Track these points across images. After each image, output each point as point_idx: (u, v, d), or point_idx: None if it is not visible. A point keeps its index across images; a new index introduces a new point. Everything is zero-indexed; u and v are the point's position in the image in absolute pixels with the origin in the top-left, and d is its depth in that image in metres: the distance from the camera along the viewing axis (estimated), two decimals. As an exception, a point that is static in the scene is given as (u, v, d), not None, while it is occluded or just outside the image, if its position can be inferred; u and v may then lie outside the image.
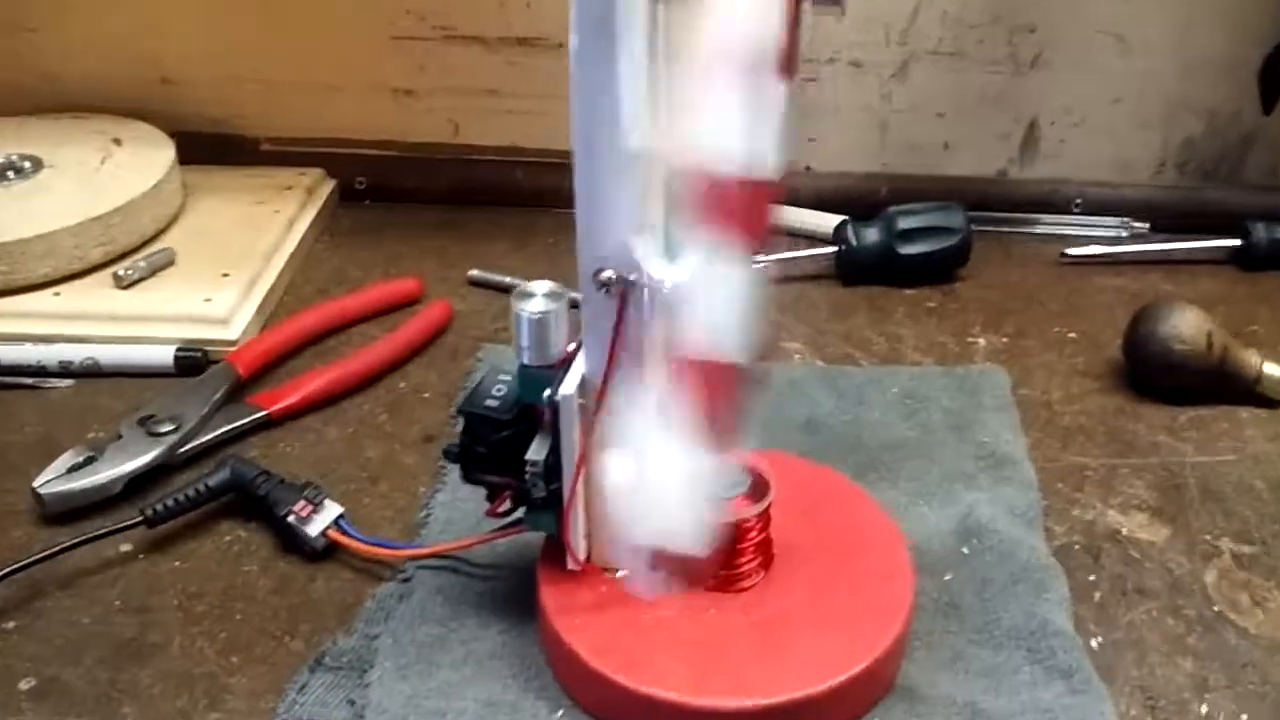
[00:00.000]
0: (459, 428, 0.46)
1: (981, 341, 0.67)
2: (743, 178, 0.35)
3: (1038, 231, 0.77)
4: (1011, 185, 0.78)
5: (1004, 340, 0.67)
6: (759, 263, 0.68)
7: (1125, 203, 0.77)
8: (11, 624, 0.50)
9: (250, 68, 0.81)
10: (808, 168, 0.79)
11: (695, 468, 0.42)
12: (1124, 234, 0.76)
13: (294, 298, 0.72)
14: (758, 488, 0.46)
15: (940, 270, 0.72)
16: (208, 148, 0.82)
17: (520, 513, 0.46)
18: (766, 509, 0.46)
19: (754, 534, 0.46)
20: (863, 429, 0.58)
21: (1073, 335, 0.67)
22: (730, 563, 0.46)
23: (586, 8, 0.36)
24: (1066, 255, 0.73)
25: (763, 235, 0.37)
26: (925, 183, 0.78)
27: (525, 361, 0.44)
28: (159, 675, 0.48)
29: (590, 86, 0.37)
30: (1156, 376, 0.61)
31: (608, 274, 0.40)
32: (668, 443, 0.41)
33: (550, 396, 0.43)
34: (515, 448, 0.44)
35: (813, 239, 0.75)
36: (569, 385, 0.43)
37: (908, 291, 0.71)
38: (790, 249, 0.73)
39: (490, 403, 0.45)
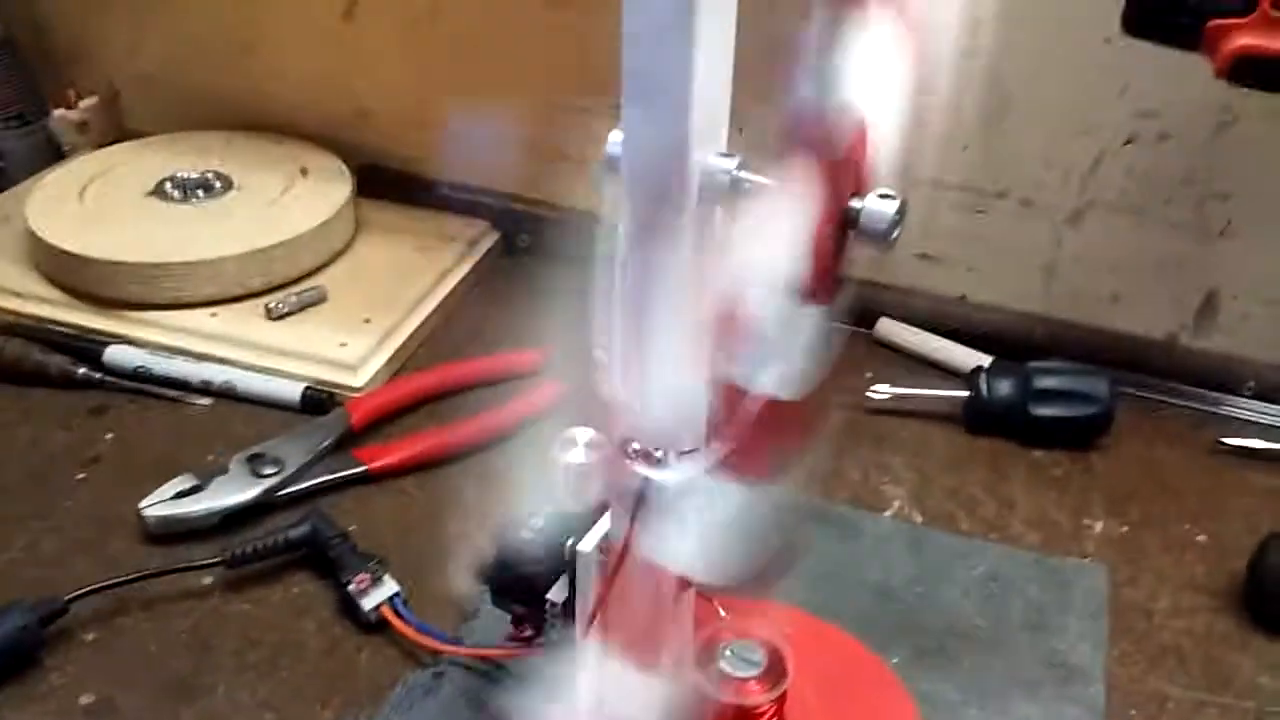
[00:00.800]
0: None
1: (1098, 526, 0.62)
2: (759, 398, 0.34)
3: (1197, 409, 0.71)
4: (1179, 353, 0.72)
5: (1123, 529, 0.62)
6: (881, 395, 0.64)
7: (1307, 395, 0.70)
8: (91, 635, 0.55)
9: (438, 112, 0.84)
10: (963, 297, 0.76)
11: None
12: (1298, 428, 0.70)
13: (430, 350, 0.74)
14: (774, 671, 0.45)
15: (1075, 436, 0.67)
16: (390, 183, 0.87)
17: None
18: (781, 696, 0.44)
19: (765, 719, 0.44)
20: (934, 608, 0.56)
21: (1201, 538, 0.62)
22: (735, 741, 0.45)
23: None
24: (1223, 443, 0.67)
25: (772, 459, 0.36)
26: (1085, 333, 0.73)
27: (561, 504, 0.44)
28: (199, 717, 0.51)
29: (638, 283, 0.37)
30: (1278, 609, 0.56)
31: (637, 446, 0.40)
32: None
33: (572, 545, 0.43)
34: (541, 584, 0.45)
35: (950, 374, 0.72)
36: (590, 540, 0.43)
37: (1036, 453, 0.67)
38: (922, 384, 0.70)
39: (525, 534, 0.46)
